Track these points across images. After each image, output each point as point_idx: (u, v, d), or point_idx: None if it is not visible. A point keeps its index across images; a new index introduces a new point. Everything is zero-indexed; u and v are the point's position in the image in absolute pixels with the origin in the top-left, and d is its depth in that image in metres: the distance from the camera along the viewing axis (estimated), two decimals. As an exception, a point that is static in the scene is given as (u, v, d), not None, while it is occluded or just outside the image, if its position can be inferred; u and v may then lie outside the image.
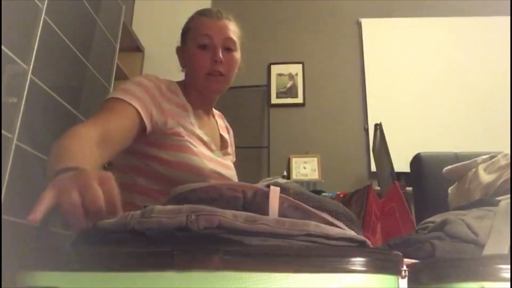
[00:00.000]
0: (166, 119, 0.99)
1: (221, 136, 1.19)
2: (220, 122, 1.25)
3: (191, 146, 1.01)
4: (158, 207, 0.48)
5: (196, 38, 1.06)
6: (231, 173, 1.13)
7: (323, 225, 0.49)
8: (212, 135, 1.14)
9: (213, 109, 1.24)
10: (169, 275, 0.39)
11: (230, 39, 1.07)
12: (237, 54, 1.10)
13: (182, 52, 1.12)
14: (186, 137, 1.01)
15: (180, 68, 1.15)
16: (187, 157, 0.99)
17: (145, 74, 1.05)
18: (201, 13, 1.10)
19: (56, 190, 0.49)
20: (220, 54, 1.05)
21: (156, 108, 0.97)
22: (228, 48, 1.07)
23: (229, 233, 0.45)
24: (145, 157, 0.99)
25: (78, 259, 0.42)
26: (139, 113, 0.91)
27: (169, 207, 0.49)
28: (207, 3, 3.67)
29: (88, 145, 0.75)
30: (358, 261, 0.42)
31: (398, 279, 0.47)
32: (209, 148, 1.09)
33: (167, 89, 1.04)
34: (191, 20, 1.13)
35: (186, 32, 1.12)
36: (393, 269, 0.46)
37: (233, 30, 1.09)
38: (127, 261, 0.40)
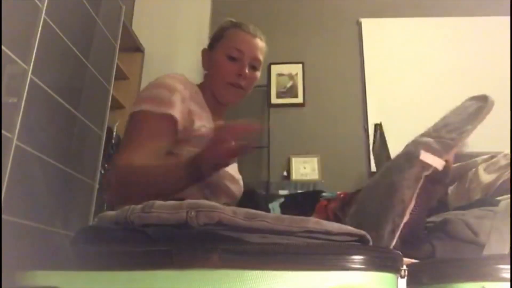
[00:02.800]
0: (193, 119, 1.01)
1: None
2: None
3: None
4: (159, 202, 0.49)
5: (227, 49, 1.11)
6: (238, 176, 1.16)
7: (323, 221, 0.49)
8: None
9: None
10: (168, 273, 0.39)
11: (258, 58, 1.13)
12: (259, 74, 1.15)
13: (209, 56, 1.16)
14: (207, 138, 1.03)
15: (202, 70, 1.19)
16: None
17: (171, 74, 1.06)
18: (238, 26, 1.14)
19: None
20: (246, 70, 1.09)
21: (185, 110, 0.99)
22: (253, 66, 1.12)
23: (228, 229, 0.45)
24: (170, 153, 0.99)
25: (77, 258, 0.42)
26: (175, 120, 0.95)
27: (170, 202, 0.49)
28: (207, 3, 3.67)
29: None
30: (357, 259, 0.42)
31: (397, 277, 0.47)
32: None
33: (192, 89, 1.08)
34: (226, 29, 1.16)
35: (218, 38, 1.15)
36: (392, 268, 0.46)
37: (261, 50, 1.15)
38: (126, 260, 0.40)
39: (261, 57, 1.14)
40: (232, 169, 1.12)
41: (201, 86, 1.14)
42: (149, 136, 0.93)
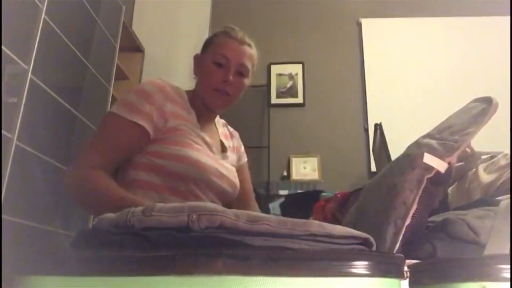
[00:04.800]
0: (167, 119, 1.03)
1: (221, 142, 1.23)
2: (222, 130, 1.29)
3: (192, 142, 1.05)
4: (159, 204, 0.48)
5: (214, 55, 1.12)
6: (231, 174, 1.16)
7: (326, 224, 0.48)
8: (213, 140, 1.18)
9: (218, 118, 1.29)
10: (170, 279, 0.38)
11: (244, 65, 1.13)
12: (247, 80, 1.16)
13: (199, 61, 1.18)
14: (188, 135, 1.05)
15: (193, 75, 1.21)
16: (187, 151, 1.02)
17: (152, 79, 1.09)
18: (227, 33, 1.16)
19: None
20: (231, 76, 1.11)
21: (157, 112, 1.02)
22: (240, 73, 1.13)
23: (230, 233, 0.45)
24: (146, 152, 1.02)
25: (77, 263, 0.42)
26: (143, 127, 0.99)
27: (170, 205, 0.48)
28: (207, 3, 3.67)
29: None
30: (361, 265, 0.41)
31: (400, 281, 0.47)
32: (211, 149, 1.12)
33: (173, 91, 1.10)
34: (216, 36, 1.18)
35: (208, 45, 1.17)
36: (396, 272, 0.46)
37: (249, 57, 1.15)
38: (127, 265, 0.40)
39: (248, 64, 1.14)
40: (220, 164, 1.12)
41: (192, 92, 1.17)
42: (112, 139, 0.99)
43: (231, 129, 1.34)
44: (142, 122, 0.98)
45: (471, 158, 1.48)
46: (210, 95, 1.12)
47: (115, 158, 0.99)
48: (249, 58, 1.14)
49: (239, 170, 1.25)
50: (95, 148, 0.98)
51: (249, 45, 1.16)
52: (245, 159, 1.33)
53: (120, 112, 0.99)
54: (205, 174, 1.03)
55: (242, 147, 1.34)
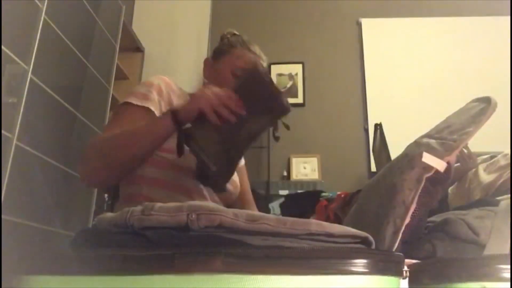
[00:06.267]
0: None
1: None
2: None
3: None
4: (159, 204, 0.48)
5: (233, 66, 1.16)
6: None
7: (325, 223, 0.48)
8: None
9: None
10: (169, 278, 0.38)
11: None
12: None
13: (212, 67, 1.21)
14: None
15: (203, 79, 1.24)
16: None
17: (159, 75, 1.12)
18: (245, 45, 1.20)
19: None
20: None
21: (166, 103, 1.05)
22: None
23: (229, 232, 0.45)
24: None
25: (77, 263, 0.42)
26: (154, 113, 1.00)
27: (170, 204, 0.48)
28: (207, 3, 3.67)
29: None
30: (360, 263, 0.41)
31: (400, 280, 0.47)
32: None
33: (177, 87, 1.13)
34: (234, 46, 1.20)
35: (224, 52, 1.20)
36: (395, 271, 0.46)
37: None
38: (127, 264, 0.40)
39: None
40: None
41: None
42: (128, 122, 0.98)
43: None
44: (153, 108, 1.00)
45: (467, 159, 1.48)
46: None
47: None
48: None
49: (238, 170, 1.26)
50: (109, 128, 0.97)
51: (264, 60, 1.22)
52: (243, 160, 1.35)
53: (131, 101, 1.01)
54: None
55: None
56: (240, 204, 1.24)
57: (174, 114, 0.87)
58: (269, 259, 0.40)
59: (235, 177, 1.18)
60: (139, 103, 1.00)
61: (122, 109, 1.02)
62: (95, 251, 0.44)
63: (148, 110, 0.99)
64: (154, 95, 1.03)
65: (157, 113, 1.01)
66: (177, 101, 1.07)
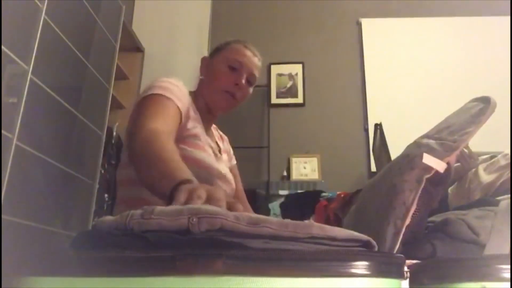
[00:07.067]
0: (188, 120, 1.07)
1: (217, 144, 1.29)
2: (216, 133, 1.35)
3: (204, 146, 1.10)
4: (159, 207, 0.48)
5: (229, 59, 1.18)
6: (229, 175, 1.21)
7: (327, 227, 0.48)
8: (213, 142, 1.24)
9: None
10: (170, 280, 0.38)
11: (254, 75, 1.20)
12: (251, 90, 1.23)
13: (208, 63, 1.22)
14: (201, 139, 1.10)
15: (198, 75, 1.25)
16: (202, 154, 1.06)
17: (168, 79, 1.10)
18: (241, 43, 1.23)
19: (187, 193, 0.58)
20: (243, 81, 1.16)
21: (184, 108, 1.06)
22: (249, 81, 1.20)
23: (231, 236, 0.44)
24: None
25: (78, 264, 0.41)
26: (180, 111, 1.01)
27: (170, 208, 0.48)
28: (207, 3, 3.67)
29: (176, 153, 0.84)
30: (362, 266, 0.41)
31: (401, 281, 0.47)
32: (214, 152, 1.18)
33: (188, 94, 1.14)
34: (230, 42, 1.23)
35: (221, 49, 1.22)
36: (396, 273, 0.46)
37: (258, 68, 1.23)
38: (128, 266, 0.39)
39: (256, 75, 1.21)
40: (223, 168, 1.17)
41: (194, 94, 1.20)
42: (163, 111, 0.97)
43: (221, 133, 1.40)
44: (178, 104, 1.01)
45: (468, 159, 1.48)
46: (217, 96, 1.16)
47: (172, 125, 0.96)
48: (257, 70, 1.22)
49: (230, 170, 1.30)
50: (150, 117, 0.92)
51: (259, 59, 1.23)
52: (234, 161, 1.39)
53: (158, 92, 0.99)
54: (213, 177, 1.08)
55: (231, 150, 1.41)
56: None
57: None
58: (270, 261, 0.40)
59: (231, 179, 1.21)
60: (167, 94, 0.99)
61: (152, 99, 0.99)
62: (95, 252, 0.44)
63: (176, 106, 1.00)
64: (180, 93, 1.04)
65: (180, 108, 1.01)
66: (190, 108, 1.08)
